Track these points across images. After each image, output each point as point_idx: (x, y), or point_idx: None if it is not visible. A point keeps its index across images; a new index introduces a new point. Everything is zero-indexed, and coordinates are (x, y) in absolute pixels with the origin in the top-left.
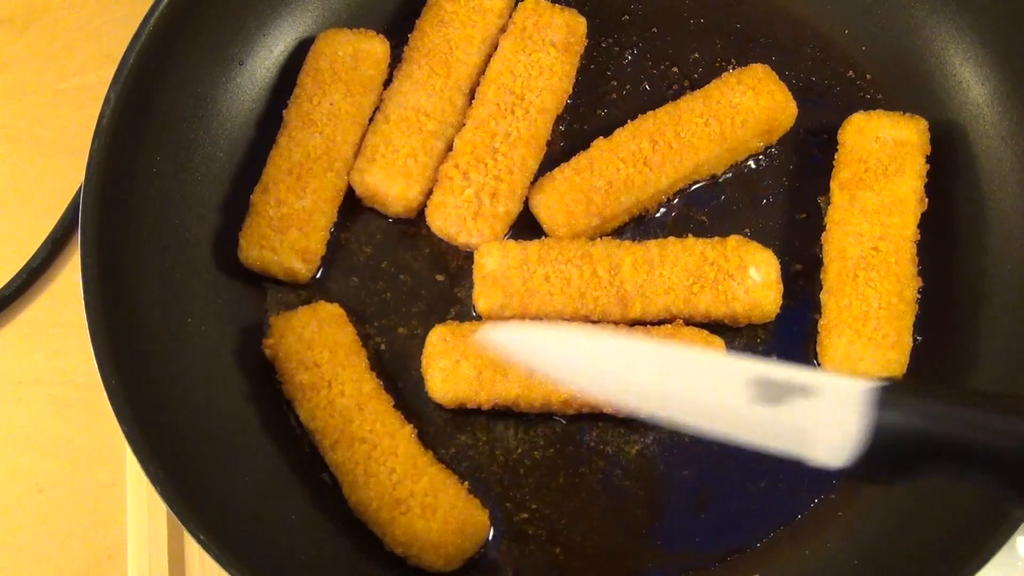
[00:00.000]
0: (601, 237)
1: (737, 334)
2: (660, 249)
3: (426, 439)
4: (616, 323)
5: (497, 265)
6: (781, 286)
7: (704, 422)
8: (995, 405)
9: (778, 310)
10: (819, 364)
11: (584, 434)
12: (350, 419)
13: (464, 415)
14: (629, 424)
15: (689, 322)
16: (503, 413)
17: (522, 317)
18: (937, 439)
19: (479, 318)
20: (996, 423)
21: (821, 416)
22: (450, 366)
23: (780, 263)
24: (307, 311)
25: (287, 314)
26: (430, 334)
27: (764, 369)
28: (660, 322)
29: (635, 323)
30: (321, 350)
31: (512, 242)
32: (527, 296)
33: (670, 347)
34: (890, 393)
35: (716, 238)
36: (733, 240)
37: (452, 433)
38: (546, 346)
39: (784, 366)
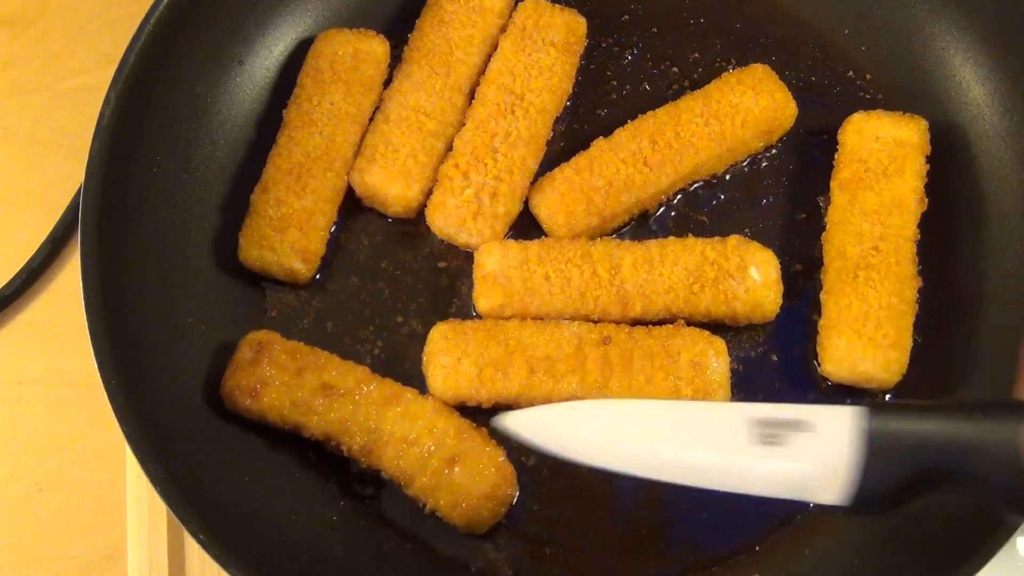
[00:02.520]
0: (601, 237)
1: (737, 334)
2: (660, 249)
3: None
4: (616, 322)
5: (497, 265)
6: (781, 286)
7: (715, 478)
8: (975, 413)
9: (778, 310)
10: (819, 364)
11: None
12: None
13: (465, 416)
14: None
15: (690, 322)
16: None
17: (522, 317)
18: (926, 454)
19: (479, 317)
20: (977, 430)
21: (819, 450)
22: (451, 363)
23: (780, 263)
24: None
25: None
26: (432, 331)
27: (759, 409)
28: (661, 322)
29: (636, 322)
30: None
31: (512, 242)
32: (527, 296)
33: (673, 406)
34: (876, 414)
35: (716, 238)
36: (733, 240)
37: None
38: (561, 430)
39: (776, 405)
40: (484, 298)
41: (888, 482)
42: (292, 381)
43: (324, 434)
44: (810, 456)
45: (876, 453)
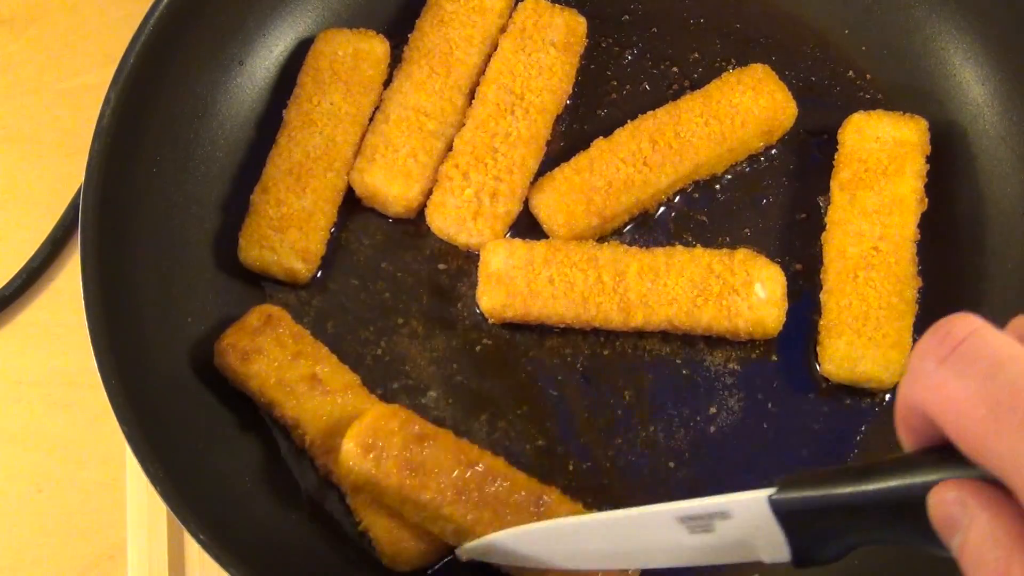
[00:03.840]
0: (608, 241)
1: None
2: (667, 258)
3: None
4: (618, 331)
5: (502, 264)
6: (786, 303)
7: (671, 561)
8: (872, 473)
9: (781, 327)
10: (819, 364)
11: None
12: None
13: (465, 417)
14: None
15: (689, 335)
16: (505, 415)
17: (524, 318)
18: (837, 518)
19: (481, 317)
20: (879, 490)
21: (742, 530)
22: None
23: (780, 263)
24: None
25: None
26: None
27: (680, 507)
28: (663, 333)
29: (636, 332)
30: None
31: (519, 241)
32: (530, 298)
33: (610, 519)
34: (783, 491)
35: (725, 250)
36: (741, 253)
37: (455, 431)
38: (519, 549)
39: (696, 499)
40: (487, 296)
41: (818, 543)
42: (286, 361)
43: (294, 420)
44: (737, 535)
45: (792, 524)
